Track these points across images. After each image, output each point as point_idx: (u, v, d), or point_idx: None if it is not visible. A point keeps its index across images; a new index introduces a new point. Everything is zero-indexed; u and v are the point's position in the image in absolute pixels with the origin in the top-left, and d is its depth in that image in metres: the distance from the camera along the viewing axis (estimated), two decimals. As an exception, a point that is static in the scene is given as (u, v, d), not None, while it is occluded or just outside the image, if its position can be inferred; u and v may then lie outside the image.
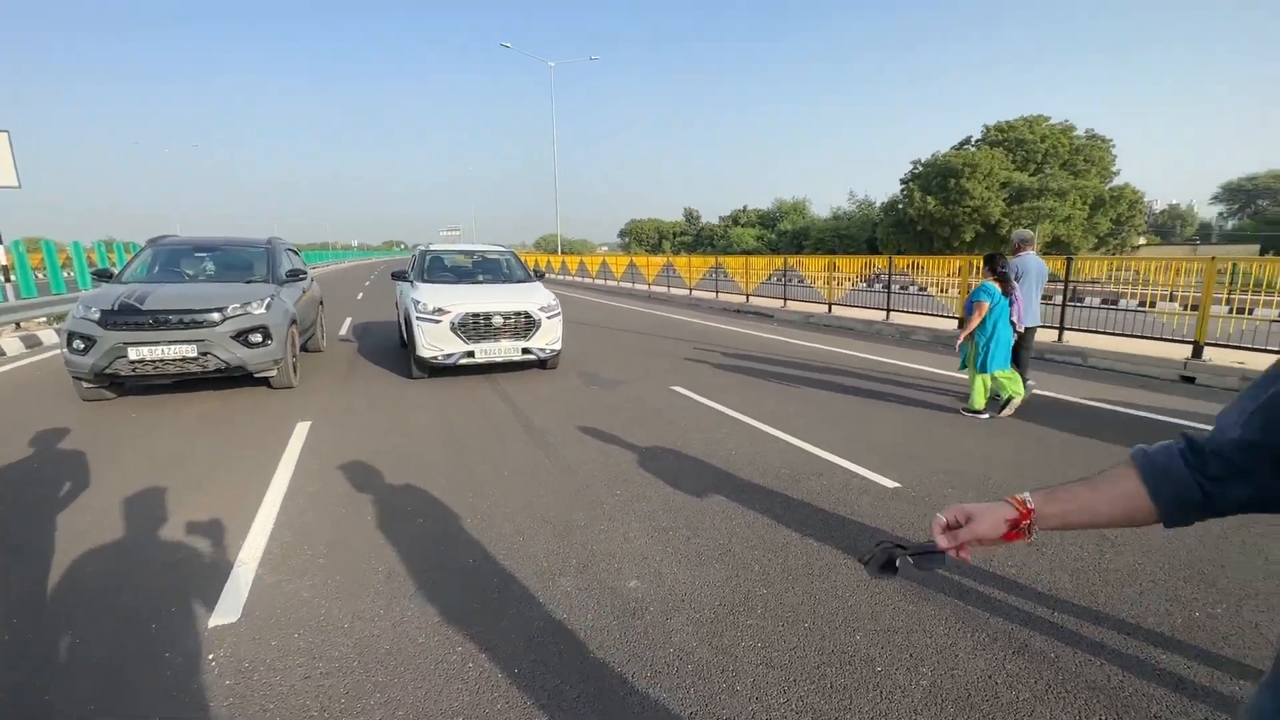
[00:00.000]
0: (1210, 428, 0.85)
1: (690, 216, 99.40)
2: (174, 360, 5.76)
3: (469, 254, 8.77)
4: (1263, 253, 46.35)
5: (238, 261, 7.52)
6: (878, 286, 13.69)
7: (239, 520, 3.54)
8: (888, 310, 12.09)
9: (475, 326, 6.89)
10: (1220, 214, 72.79)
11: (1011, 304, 5.55)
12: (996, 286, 5.55)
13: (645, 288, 22.57)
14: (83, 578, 2.94)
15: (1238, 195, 69.18)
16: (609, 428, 5.37)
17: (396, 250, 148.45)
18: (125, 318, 5.67)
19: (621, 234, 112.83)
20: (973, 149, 53.31)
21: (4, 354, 8.87)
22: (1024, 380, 6.04)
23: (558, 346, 7.47)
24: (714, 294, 17.96)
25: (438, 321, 6.81)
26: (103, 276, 6.67)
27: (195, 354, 5.81)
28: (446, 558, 3.12)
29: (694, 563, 3.07)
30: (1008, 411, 5.63)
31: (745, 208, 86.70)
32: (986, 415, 5.63)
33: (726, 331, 11.95)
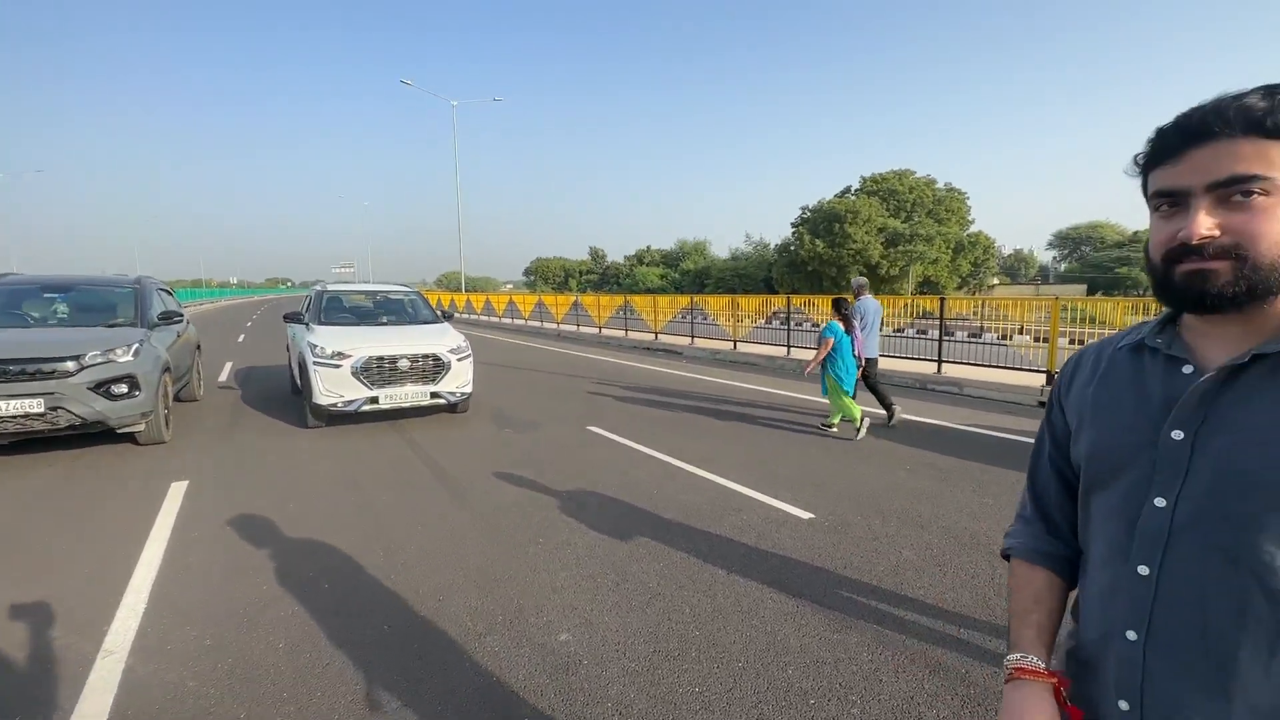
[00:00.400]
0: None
1: (596, 255, 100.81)
2: (13, 418, 4.98)
3: (370, 294, 8.35)
4: (1090, 292, 54.04)
5: (98, 303, 6.70)
6: (776, 323, 14.50)
7: (102, 603, 3.07)
8: (788, 346, 12.80)
9: (379, 371, 6.53)
10: (1054, 258, 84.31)
11: (853, 340, 6.55)
12: (840, 325, 6.52)
13: (555, 326, 22.46)
14: (-111, 690, 2.41)
15: (1066, 242, 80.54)
16: (526, 473, 5.24)
17: (282, 288, 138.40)
18: (-49, 370, 4.86)
19: (527, 272, 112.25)
20: (852, 197, 58.46)
21: None
22: (889, 405, 6.90)
23: (469, 390, 7.23)
24: (623, 332, 18.21)
25: (337, 366, 6.39)
26: (-79, 321, 5.70)
27: (41, 409, 5.06)
28: (358, 625, 2.87)
29: (624, 609, 3.03)
30: (862, 433, 6.36)
31: (649, 247, 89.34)
32: (861, 431, 6.35)
33: (638, 369, 12.11)
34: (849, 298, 6.95)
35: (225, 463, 5.51)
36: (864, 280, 7.44)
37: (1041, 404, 8.23)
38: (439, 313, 8.30)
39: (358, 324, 7.46)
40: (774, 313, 14.78)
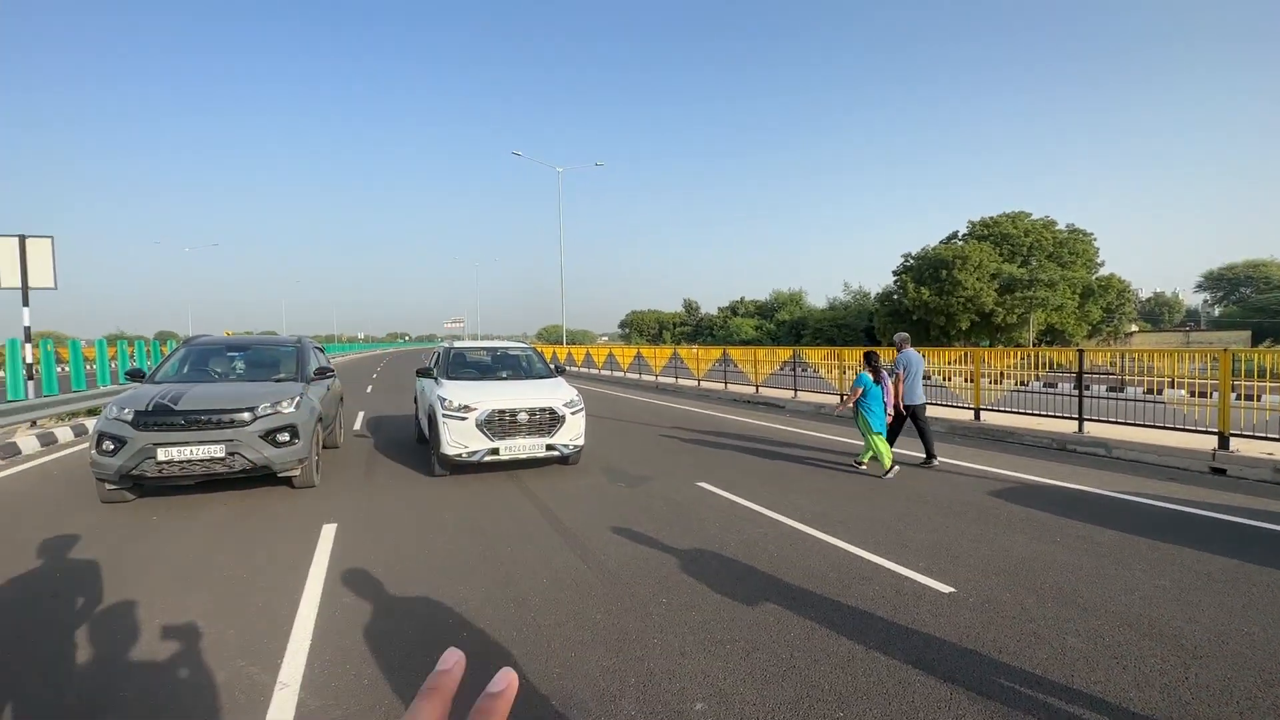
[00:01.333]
0: (1253, 522, 0.87)
1: (690, 307, 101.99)
2: (201, 460, 5.72)
3: (491, 350, 8.95)
4: (1256, 340, 47.23)
5: (267, 360, 7.65)
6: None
7: (274, 635, 3.39)
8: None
9: (500, 423, 6.91)
10: (1205, 301, 74.86)
11: (883, 389, 7.37)
12: (869, 375, 7.39)
13: (653, 379, 22.76)
14: (120, 700, 2.77)
15: (1220, 283, 71.48)
16: (642, 528, 5.26)
17: (400, 342, 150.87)
18: (158, 418, 5.70)
19: (622, 324, 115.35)
20: (960, 243, 55.68)
21: (20, 452, 8.83)
22: (931, 452, 7.70)
23: (581, 442, 7.45)
24: (723, 385, 18.11)
25: (463, 419, 6.83)
26: (135, 376, 6.76)
27: (223, 454, 5.78)
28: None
29: (759, 681, 2.91)
30: (891, 475, 7.03)
31: (743, 298, 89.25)
32: (893, 472, 7.08)
33: (741, 423, 11.94)
34: (880, 352, 7.91)
35: (366, 508, 5.97)
36: (905, 335, 8.36)
37: (1215, 470, 7.20)
38: (552, 367, 8.70)
39: (480, 378, 7.98)
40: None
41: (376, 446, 9.38)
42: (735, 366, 18.15)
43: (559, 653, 3.19)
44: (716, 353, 19.68)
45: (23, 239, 10.83)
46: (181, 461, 5.67)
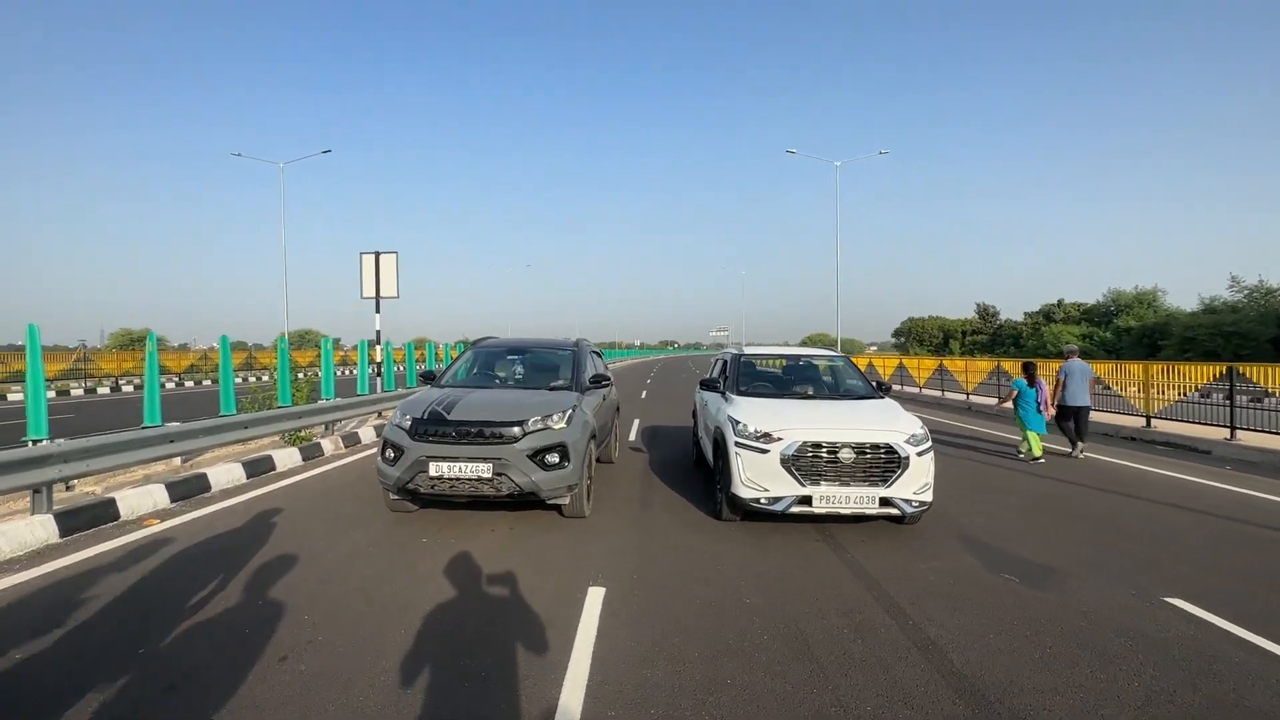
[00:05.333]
0: None
1: (984, 313, 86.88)
2: (468, 480, 4.96)
3: (793, 359, 7.02)
4: None
5: (545, 364, 6.97)
6: None
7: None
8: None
9: (815, 462, 4.92)
10: None
11: (1038, 391, 8.91)
12: (1024, 380, 9.04)
13: (963, 398, 18.42)
14: None
15: None
16: (1089, 678, 2.74)
17: (670, 349, 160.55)
18: (431, 427, 5.12)
19: (897, 333, 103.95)
20: None
21: (322, 454, 8.83)
22: (1075, 444, 9.23)
23: (929, 498, 5.05)
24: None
25: (764, 451, 5.02)
26: (427, 379, 6.57)
27: (490, 474, 4.94)
28: None
29: None
30: (1039, 460, 8.57)
31: (1060, 301, 72.35)
32: (1042, 460, 8.56)
33: (1153, 477, 7.93)
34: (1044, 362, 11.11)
35: (641, 564, 4.55)
36: (1073, 347, 10.55)
37: None
38: (874, 384, 6.40)
39: (780, 396, 6.11)
40: None
41: (651, 465, 8.24)
42: (1108, 387, 13.15)
43: None
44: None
45: (377, 255, 12.62)
46: (452, 479, 4.97)
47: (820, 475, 4.92)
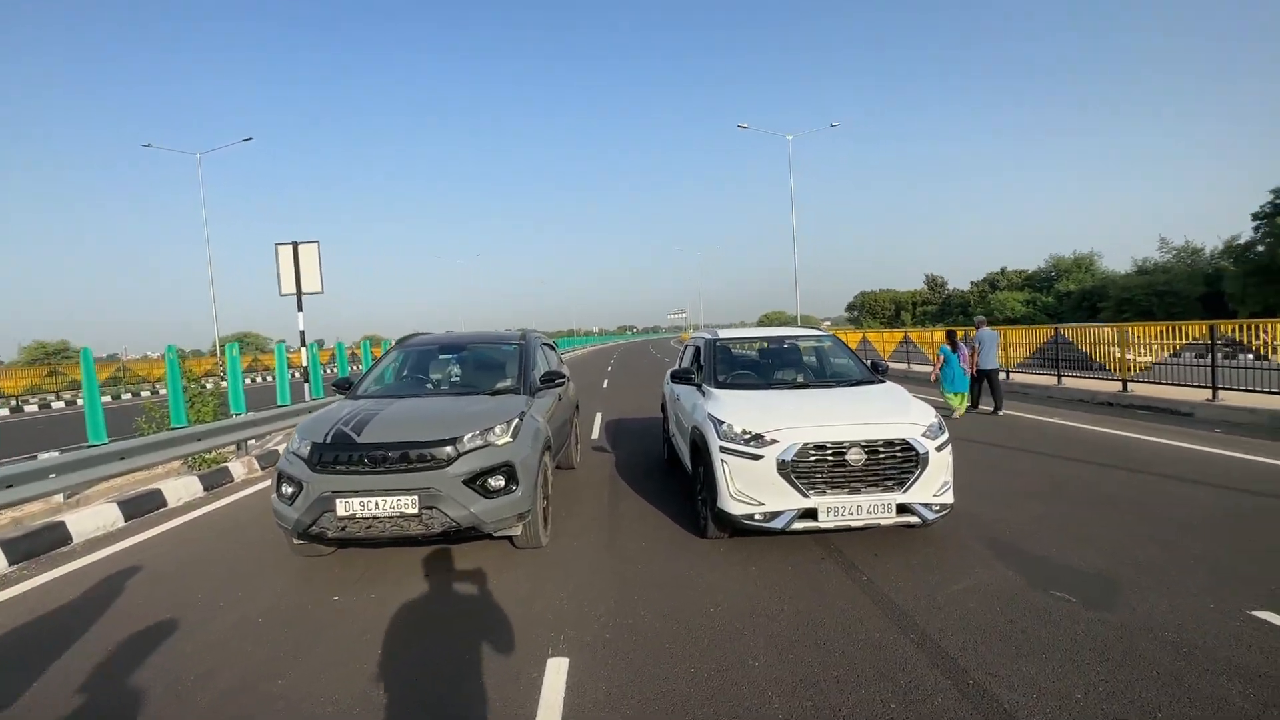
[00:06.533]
0: None
1: (933, 283, 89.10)
2: (389, 518, 3.89)
3: (774, 341, 6.12)
4: None
5: (486, 363, 5.88)
6: None
7: None
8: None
9: (819, 466, 4.05)
10: None
11: (960, 357, 10.07)
12: (949, 347, 10.17)
13: (927, 369, 18.11)
14: None
15: None
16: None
17: (628, 335, 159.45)
18: (337, 454, 4.02)
19: (850, 307, 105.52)
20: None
21: (230, 479, 7.47)
22: (999, 405, 10.20)
23: (950, 499, 4.26)
24: (1054, 379, 12.99)
25: (756, 457, 4.12)
26: (341, 388, 5.41)
27: (416, 509, 3.88)
28: None
29: None
30: (957, 415, 9.87)
31: (1004, 269, 74.50)
32: (956, 415, 9.70)
33: (1153, 446, 7.45)
34: (958, 330, 11.46)
35: (614, 616, 3.60)
36: (983, 318, 11.56)
37: None
38: (869, 364, 5.58)
39: (766, 386, 5.20)
40: None
41: (619, 468, 7.28)
42: (1078, 349, 12.86)
43: None
44: (1043, 332, 14.43)
45: (296, 246, 11.15)
46: (367, 519, 3.89)
47: (826, 482, 4.05)
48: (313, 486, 3.94)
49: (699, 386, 5.30)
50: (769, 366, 5.80)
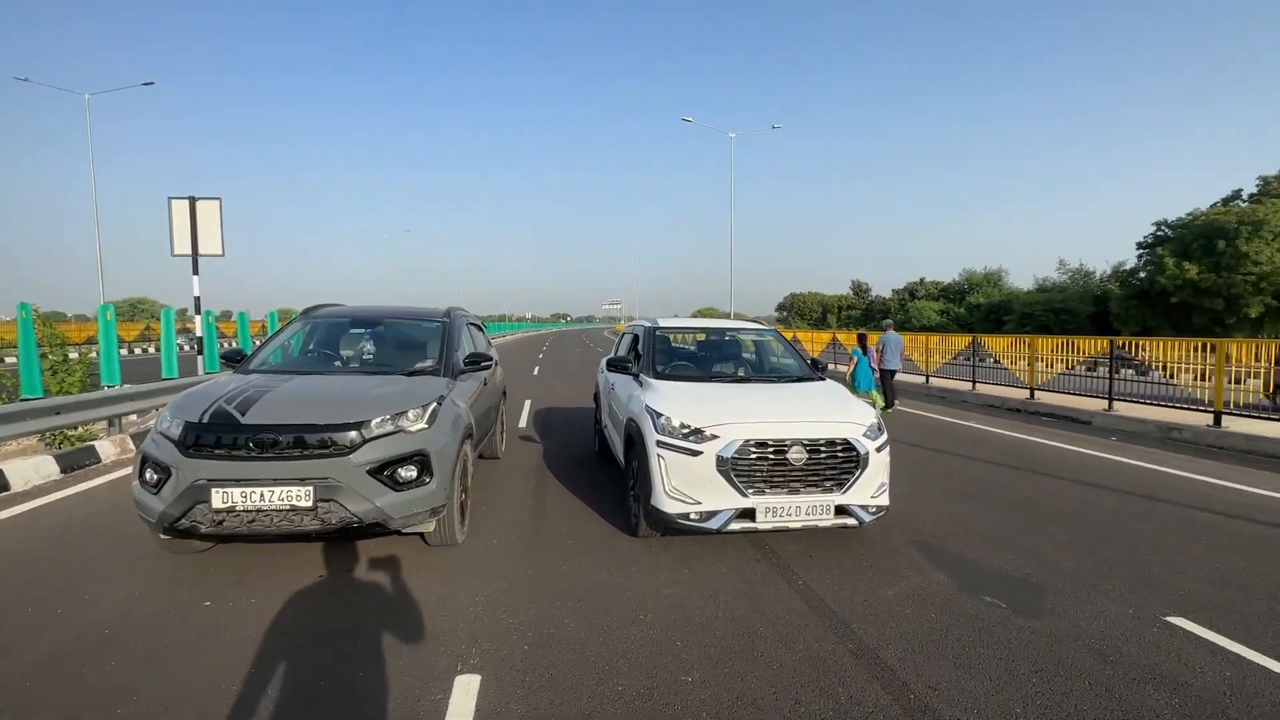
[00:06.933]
0: None
1: (858, 289, 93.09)
2: (276, 512, 3.37)
3: (716, 333, 5.90)
4: None
5: (404, 341, 5.36)
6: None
7: None
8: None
9: (760, 464, 3.86)
10: None
11: (870, 358, 10.56)
12: (860, 349, 10.59)
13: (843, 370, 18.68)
14: None
15: None
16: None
17: (562, 323, 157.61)
18: (215, 435, 3.44)
19: (780, 308, 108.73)
20: (1244, 204, 42.96)
21: (97, 460, 6.56)
22: (891, 402, 11.18)
23: (886, 500, 4.18)
24: (969, 384, 13.63)
25: (695, 453, 3.88)
26: (233, 360, 4.74)
27: (309, 502, 3.38)
28: None
29: None
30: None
31: (922, 280, 78.81)
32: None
33: (1063, 453, 7.83)
34: (869, 334, 11.95)
35: (534, 626, 3.26)
36: (889, 322, 12.60)
37: None
38: (808, 363, 5.47)
39: (706, 379, 4.97)
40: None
41: (546, 459, 6.91)
42: (993, 357, 13.56)
43: None
44: (959, 341, 15.12)
45: (193, 201, 9.97)
46: (249, 512, 3.35)
47: (766, 482, 3.86)
48: (183, 473, 3.36)
49: (636, 376, 5.01)
50: (709, 359, 5.59)
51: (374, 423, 3.62)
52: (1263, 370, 8.65)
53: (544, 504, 5.26)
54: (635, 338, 5.81)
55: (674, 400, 4.27)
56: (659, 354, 5.25)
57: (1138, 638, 3.12)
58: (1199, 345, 9.34)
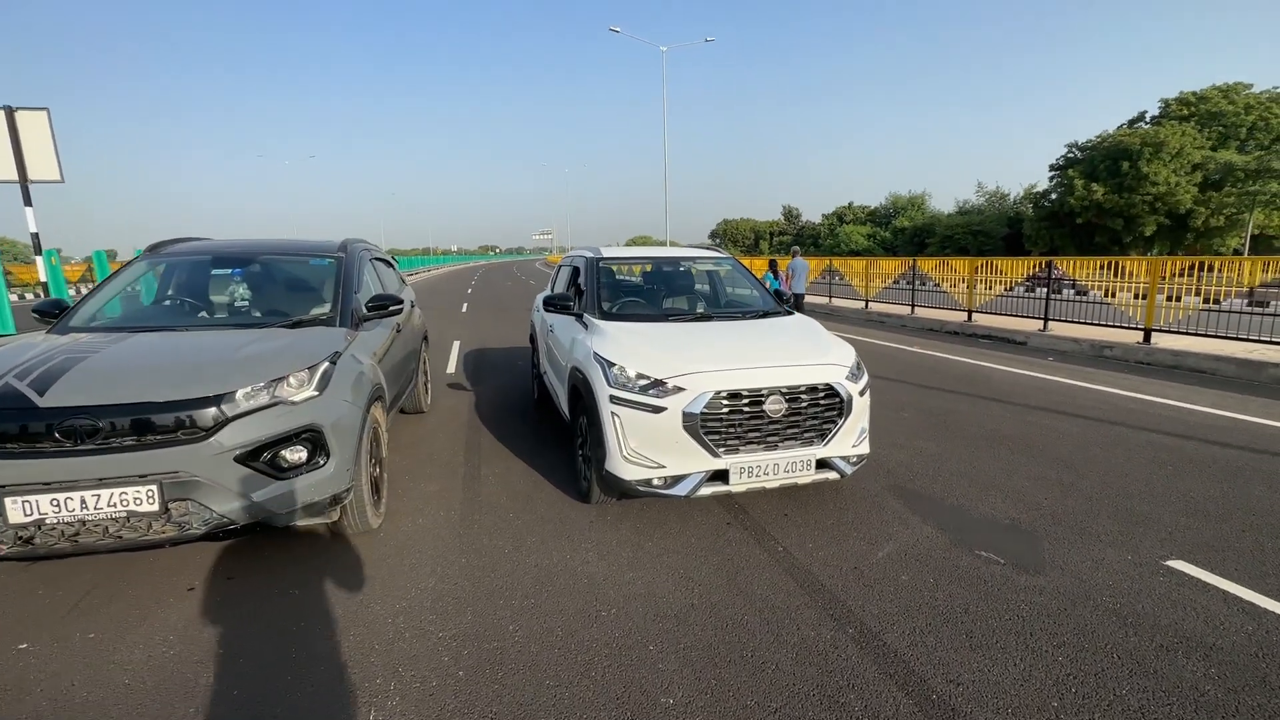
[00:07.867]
0: None
1: (790, 215, 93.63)
2: (109, 521, 2.51)
3: (668, 263, 5.15)
4: None
5: (289, 281, 4.33)
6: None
7: None
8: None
9: (733, 419, 3.28)
10: None
11: (781, 281, 11.98)
12: (771, 274, 11.94)
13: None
14: None
15: None
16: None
17: (490, 255, 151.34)
18: (2, 426, 2.49)
19: (713, 235, 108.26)
20: (1147, 125, 45.09)
21: None
22: None
23: (866, 449, 3.74)
24: (909, 308, 13.65)
25: (658, 409, 3.25)
26: (47, 314, 3.62)
27: (156, 505, 2.54)
28: None
29: None
30: None
31: (851, 204, 79.90)
32: None
33: (1014, 377, 7.78)
34: (780, 260, 13.19)
35: (470, 635, 2.64)
36: (798, 249, 15.81)
37: None
38: (771, 294, 4.86)
39: (662, 319, 4.28)
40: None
41: (479, 410, 6.15)
42: (931, 281, 13.59)
43: None
44: (896, 264, 15.07)
45: (11, 112, 8.01)
46: (69, 524, 2.48)
47: (740, 439, 3.31)
48: (-40, 478, 2.42)
49: (580, 317, 4.26)
50: (662, 294, 4.89)
51: (240, 394, 2.74)
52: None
53: (478, 468, 4.56)
54: (575, 270, 5.01)
55: (627, 346, 3.59)
56: (604, 289, 4.49)
57: (1148, 591, 2.85)
58: (1131, 264, 9.45)
